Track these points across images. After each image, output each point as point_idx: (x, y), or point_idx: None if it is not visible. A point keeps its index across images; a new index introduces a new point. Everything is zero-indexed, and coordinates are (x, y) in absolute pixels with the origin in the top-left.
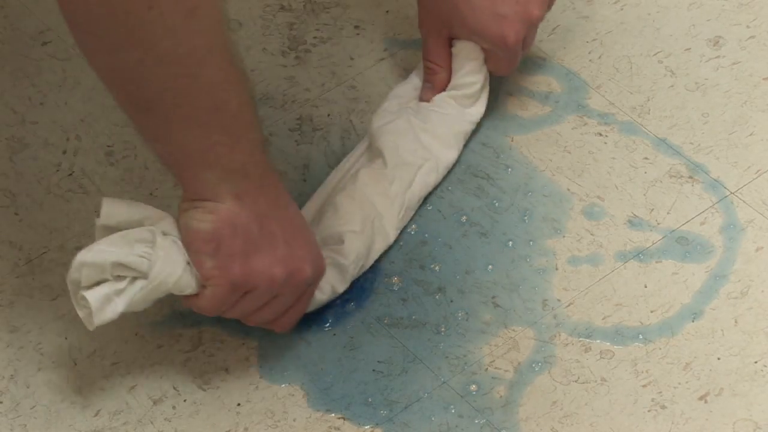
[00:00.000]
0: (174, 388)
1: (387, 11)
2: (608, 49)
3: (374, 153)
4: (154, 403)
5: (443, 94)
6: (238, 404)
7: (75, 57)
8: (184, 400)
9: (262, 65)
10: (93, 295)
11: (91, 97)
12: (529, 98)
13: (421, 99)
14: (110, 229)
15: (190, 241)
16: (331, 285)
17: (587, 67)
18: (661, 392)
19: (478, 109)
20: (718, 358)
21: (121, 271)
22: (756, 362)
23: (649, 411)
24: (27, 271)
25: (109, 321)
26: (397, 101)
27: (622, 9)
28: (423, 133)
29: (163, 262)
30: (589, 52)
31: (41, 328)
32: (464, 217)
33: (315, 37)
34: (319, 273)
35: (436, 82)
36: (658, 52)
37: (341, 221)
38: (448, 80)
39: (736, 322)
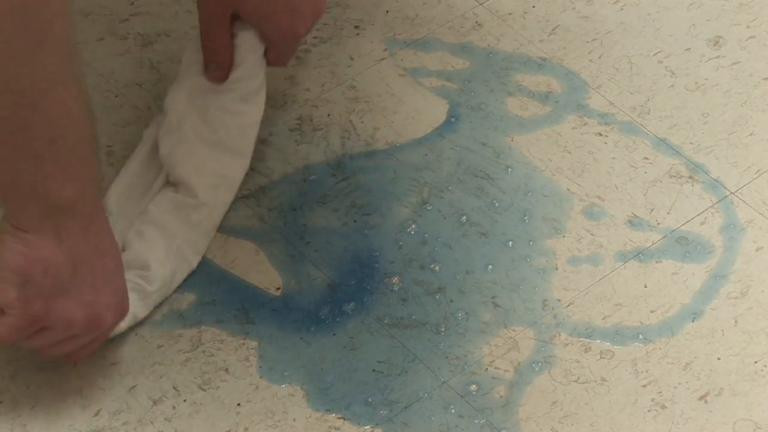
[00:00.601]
0: (174, 388)
1: (387, 11)
2: (608, 49)
3: (174, 180)
4: (154, 403)
5: (225, 87)
6: (238, 404)
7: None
8: (184, 400)
9: None
10: None
11: (91, 97)
12: (529, 98)
13: (210, 79)
14: None
15: (0, 266)
16: (132, 312)
17: (587, 67)
18: (661, 392)
19: (259, 107)
20: (718, 358)
21: None
22: (756, 362)
23: (649, 411)
24: None
25: None
26: (177, 115)
27: (622, 9)
28: (215, 149)
29: None
30: (589, 52)
31: None
32: (464, 217)
33: (315, 37)
34: (120, 318)
35: (222, 63)
36: (658, 52)
37: (146, 247)
38: (231, 61)
39: (736, 322)
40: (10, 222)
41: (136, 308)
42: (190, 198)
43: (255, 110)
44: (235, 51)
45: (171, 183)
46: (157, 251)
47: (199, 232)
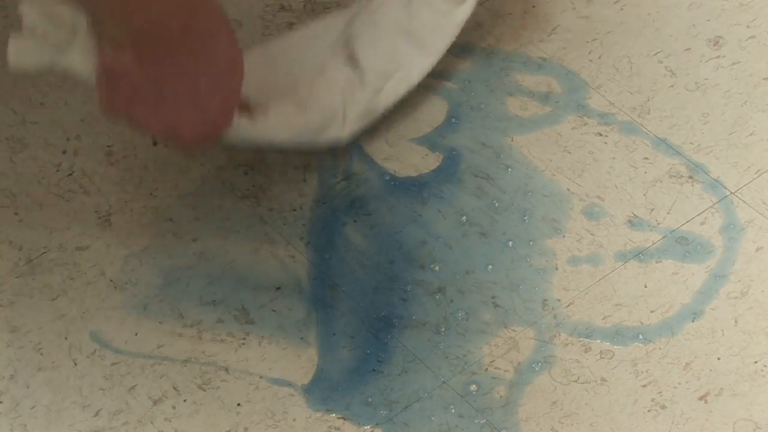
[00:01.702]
0: (174, 388)
1: None
2: (608, 49)
3: (348, 53)
4: (154, 403)
5: None
6: (238, 404)
7: None
8: (184, 400)
9: None
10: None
11: (91, 97)
12: (529, 98)
13: None
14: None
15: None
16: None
17: (587, 67)
18: (661, 392)
19: (466, 9)
20: (718, 358)
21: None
22: (756, 362)
23: (649, 411)
24: (27, 271)
25: (25, 68)
26: None
27: (622, 9)
28: (405, 37)
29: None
30: (589, 52)
31: (41, 328)
32: (464, 217)
33: None
34: (203, 137)
35: None
36: (658, 52)
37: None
38: None
39: (736, 322)
40: (93, 20)
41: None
42: (356, 76)
43: (459, 13)
44: None
45: (342, 48)
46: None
47: (358, 108)
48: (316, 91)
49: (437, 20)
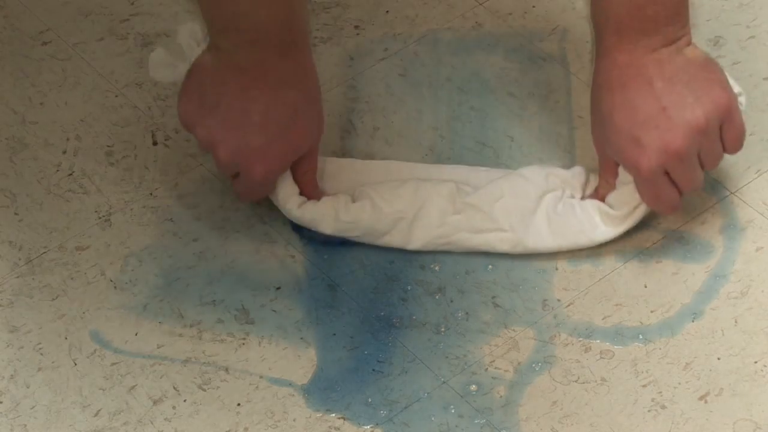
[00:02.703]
0: (174, 388)
1: (387, 11)
2: None
3: (460, 185)
4: (154, 403)
5: (596, 203)
6: (238, 404)
7: (75, 57)
8: (184, 400)
9: None
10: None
11: (91, 97)
12: (529, 98)
13: (597, 195)
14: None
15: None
16: (314, 217)
17: (587, 67)
18: (661, 392)
19: (606, 232)
20: (718, 358)
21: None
22: (756, 362)
23: (649, 411)
24: (27, 271)
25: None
26: (545, 174)
27: None
28: (541, 212)
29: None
30: (590, 52)
31: (41, 328)
32: None
33: (315, 37)
34: (238, 164)
35: (609, 188)
36: None
37: (391, 196)
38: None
39: (736, 322)
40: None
41: (322, 220)
42: (449, 198)
43: (603, 232)
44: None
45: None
46: (398, 205)
47: (435, 227)
48: (386, 194)
49: (581, 221)
